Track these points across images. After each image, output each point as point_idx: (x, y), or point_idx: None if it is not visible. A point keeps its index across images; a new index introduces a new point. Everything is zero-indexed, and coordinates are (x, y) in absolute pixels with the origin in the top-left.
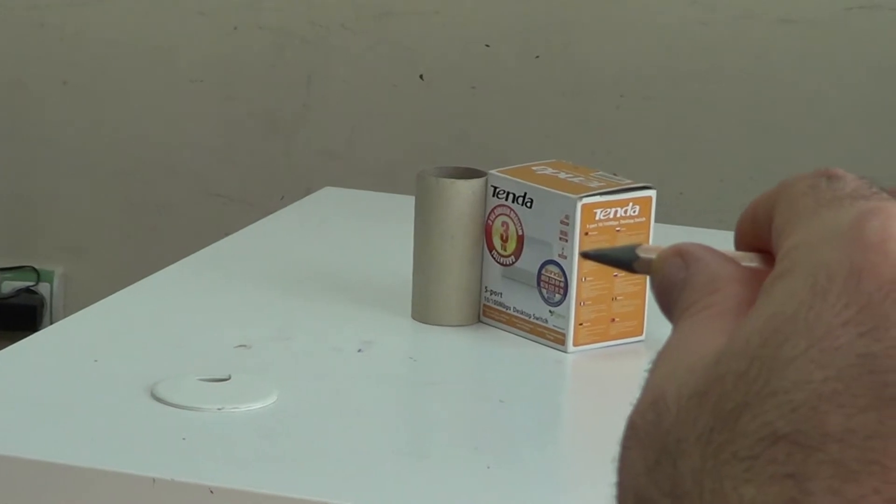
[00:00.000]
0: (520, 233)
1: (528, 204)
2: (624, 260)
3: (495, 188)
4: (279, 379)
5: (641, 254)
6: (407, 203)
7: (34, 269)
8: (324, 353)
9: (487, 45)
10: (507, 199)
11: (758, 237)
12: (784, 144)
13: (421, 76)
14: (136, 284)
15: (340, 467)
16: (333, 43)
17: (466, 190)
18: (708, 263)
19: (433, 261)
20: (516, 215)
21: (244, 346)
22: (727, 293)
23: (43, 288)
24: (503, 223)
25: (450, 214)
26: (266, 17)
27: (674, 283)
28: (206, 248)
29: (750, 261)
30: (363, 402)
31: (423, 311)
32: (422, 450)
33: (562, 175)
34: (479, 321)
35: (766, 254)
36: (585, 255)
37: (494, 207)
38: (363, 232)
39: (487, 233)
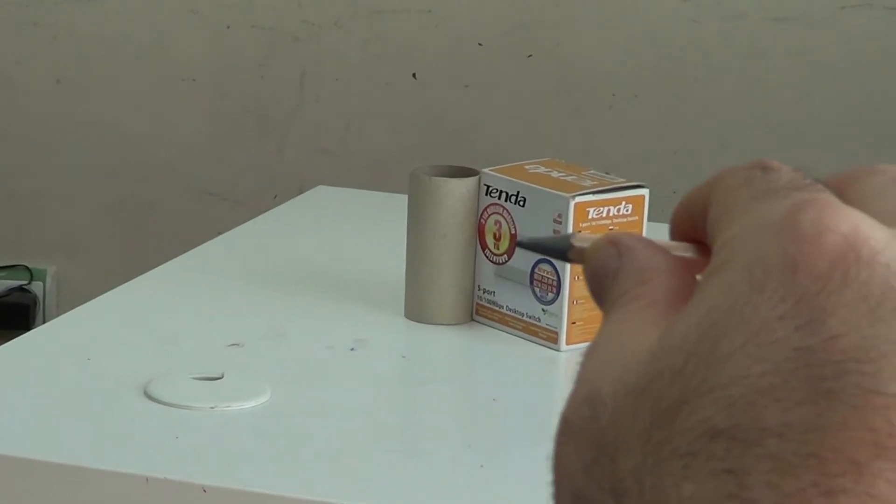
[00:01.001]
0: (513, 231)
1: (521, 203)
2: (558, 249)
3: (488, 187)
4: (272, 377)
5: (576, 243)
6: (400, 202)
7: (27, 268)
8: (317, 351)
9: (480, 44)
10: (499, 198)
11: (693, 228)
12: (776, 143)
13: (414, 75)
14: (128, 283)
15: (333, 466)
16: (326, 42)
17: (459, 189)
18: (640, 253)
19: (426, 260)
20: (509, 214)
21: (237, 344)
22: (658, 284)
23: (36, 286)
24: (496, 222)
25: (443, 213)
26: (259, 16)
27: (606, 273)
28: (200, 247)
29: (685, 251)
30: (356, 400)
31: (416, 309)
32: (415, 448)
33: (554, 174)
34: (472, 320)
35: (702, 244)
36: (520, 244)
37: (487, 206)
38: (356, 231)
39: (480, 231)
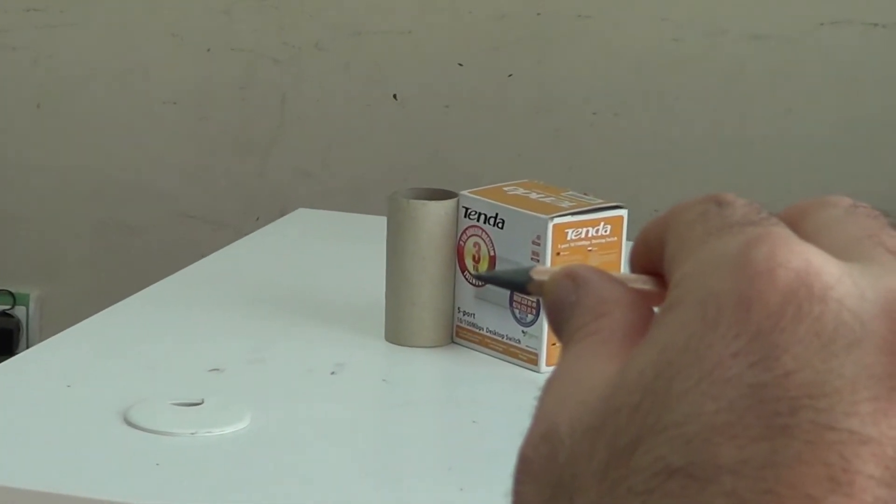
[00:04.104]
0: (492, 253)
1: (500, 224)
2: (517, 282)
3: (467, 209)
4: (252, 402)
5: (535, 276)
6: (380, 224)
7: (9, 293)
8: (297, 375)
9: (460, 64)
10: (478, 220)
11: (651, 262)
12: (757, 160)
13: (394, 96)
14: (110, 308)
15: (314, 490)
16: (306, 63)
17: (438, 211)
18: (597, 286)
19: (405, 282)
20: (488, 236)
21: (217, 369)
22: (615, 317)
23: (19, 311)
24: (475, 244)
25: (421, 236)
26: (239, 39)
27: (564, 306)
28: (181, 271)
29: (643, 283)
30: (336, 424)
31: (396, 332)
32: (395, 471)
33: (533, 195)
34: (452, 342)
35: (660, 276)
36: (479, 278)
37: (466, 228)
38: (337, 254)
39: (459, 254)
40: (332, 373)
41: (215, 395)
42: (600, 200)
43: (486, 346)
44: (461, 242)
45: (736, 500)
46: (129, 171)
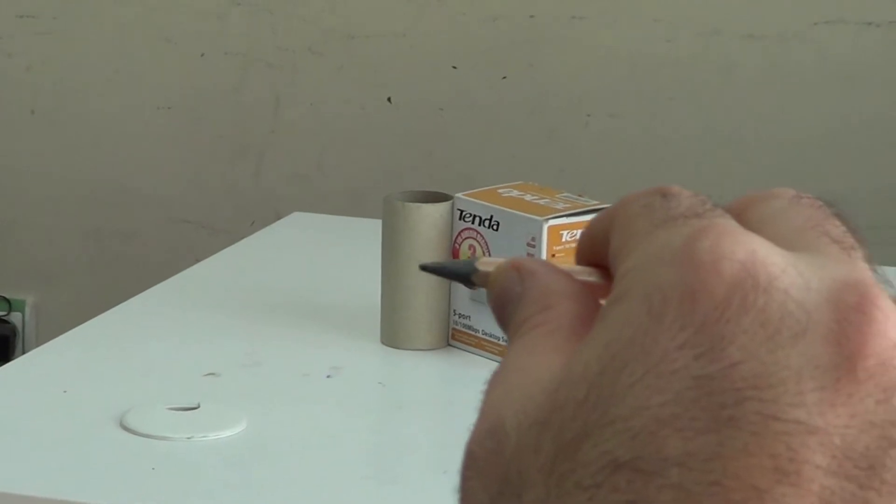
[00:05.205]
0: (487, 256)
1: (495, 227)
2: (462, 273)
3: (461, 211)
4: (248, 406)
5: (480, 267)
6: (375, 227)
7: (5, 299)
8: (293, 379)
9: (454, 67)
10: (473, 222)
11: (597, 255)
12: (751, 160)
13: (389, 99)
14: (105, 314)
15: (311, 494)
16: (300, 67)
17: (432, 214)
18: (542, 278)
19: (401, 285)
20: (483, 238)
21: (213, 373)
22: (561, 310)
23: (15, 317)
24: (470, 246)
25: (416, 238)
26: (232, 43)
27: (509, 298)
28: (176, 276)
29: (588, 275)
30: (333, 428)
31: (392, 335)
32: (392, 475)
33: (527, 197)
34: (449, 345)
35: (607, 269)
36: (424, 268)
37: (461, 230)
38: (332, 257)
39: (454, 256)
40: (328, 376)
41: (211, 400)
42: (595, 202)
43: (482, 348)
44: (456, 245)
45: (682, 492)
46: (123, 177)
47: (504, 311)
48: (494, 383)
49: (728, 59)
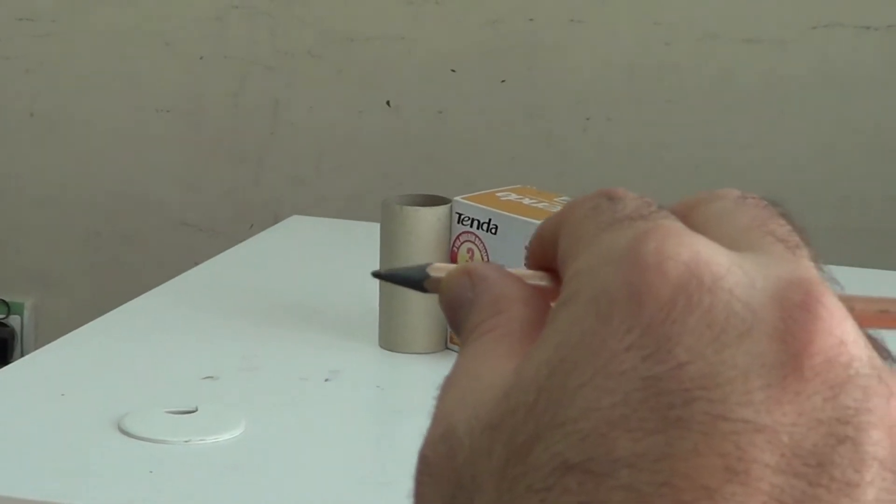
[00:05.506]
0: (485, 259)
1: (493, 230)
2: (415, 279)
3: (460, 215)
4: (246, 410)
5: (432, 273)
6: (374, 230)
7: (4, 302)
8: (291, 382)
9: (453, 71)
10: (471, 226)
11: (546, 258)
12: (749, 164)
13: (388, 102)
14: (103, 317)
15: (308, 497)
16: (299, 70)
17: (431, 217)
18: (493, 283)
19: (399, 289)
20: (481, 242)
21: (211, 377)
22: (512, 314)
23: (13, 320)
24: (468, 250)
25: (415, 242)
26: (231, 46)
27: (461, 303)
28: (175, 279)
29: (539, 279)
30: (331, 431)
31: (390, 338)
32: (390, 478)
33: (526, 201)
34: (447, 348)
35: (556, 272)
36: (376, 275)
37: (459, 234)
38: (330, 260)
39: (453, 259)
40: (326, 380)
41: (209, 403)
42: None
43: None
44: (454, 248)
45: (633, 493)
46: (122, 180)
47: (456, 316)
48: (447, 388)
49: (726, 63)
